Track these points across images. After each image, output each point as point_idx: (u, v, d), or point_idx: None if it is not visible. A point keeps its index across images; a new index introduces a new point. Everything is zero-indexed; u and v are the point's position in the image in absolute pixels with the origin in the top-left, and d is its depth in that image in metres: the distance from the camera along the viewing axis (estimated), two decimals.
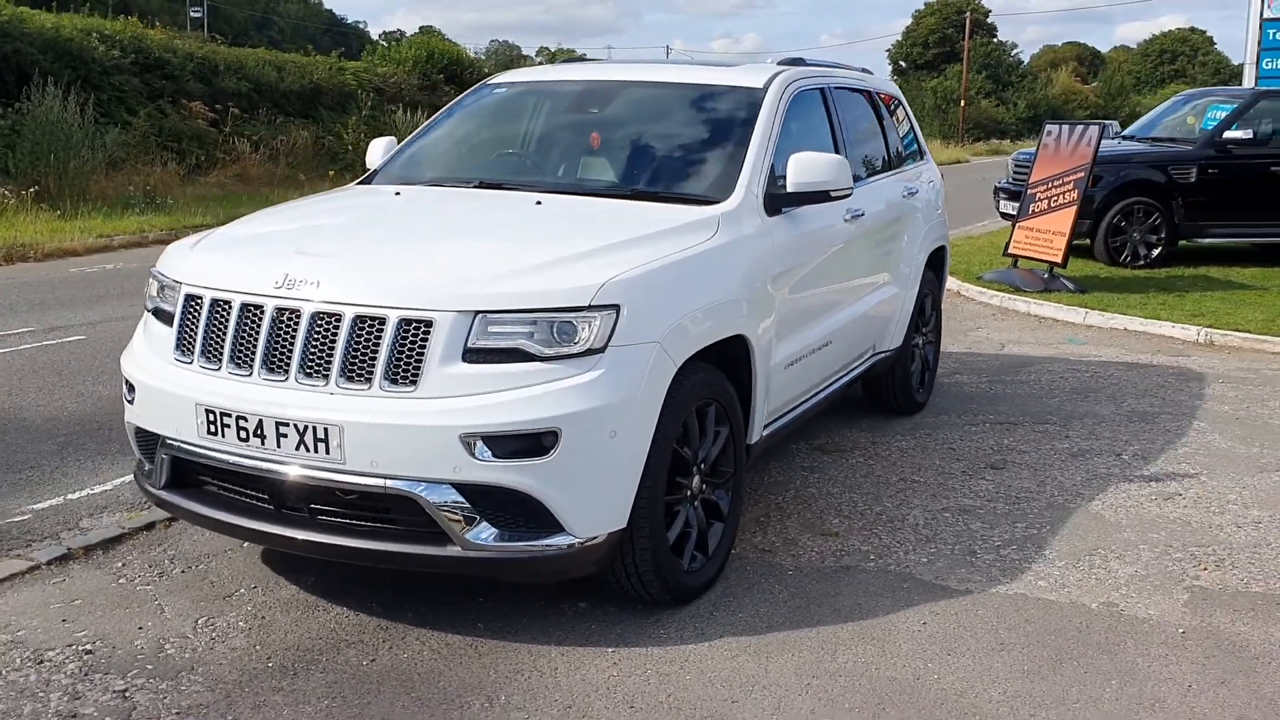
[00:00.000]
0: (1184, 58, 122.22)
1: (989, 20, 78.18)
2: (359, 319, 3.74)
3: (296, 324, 3.81)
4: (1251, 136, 12.97)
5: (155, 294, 4.37)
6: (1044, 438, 6.50)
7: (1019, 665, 3.82)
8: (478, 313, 3.69)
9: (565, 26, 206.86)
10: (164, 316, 4.25)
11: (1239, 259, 13.53)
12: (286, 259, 4.01)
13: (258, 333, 3.87)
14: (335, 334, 3.76)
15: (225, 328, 3.95)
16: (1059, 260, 11.39)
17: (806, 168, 4.80)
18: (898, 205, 6.52)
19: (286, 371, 3.81)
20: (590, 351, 3.73)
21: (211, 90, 23.27)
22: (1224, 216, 13.13)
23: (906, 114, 7.25)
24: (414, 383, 3.69)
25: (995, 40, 78.75)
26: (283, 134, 23.54)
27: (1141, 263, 12.97)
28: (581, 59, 6.75)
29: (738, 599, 4.30)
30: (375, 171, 5.53)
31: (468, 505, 3.69)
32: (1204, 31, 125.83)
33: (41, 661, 3.77)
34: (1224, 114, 13.37)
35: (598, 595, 4.24)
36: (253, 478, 3.93)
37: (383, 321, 3.72)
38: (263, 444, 3.80)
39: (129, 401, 4.27)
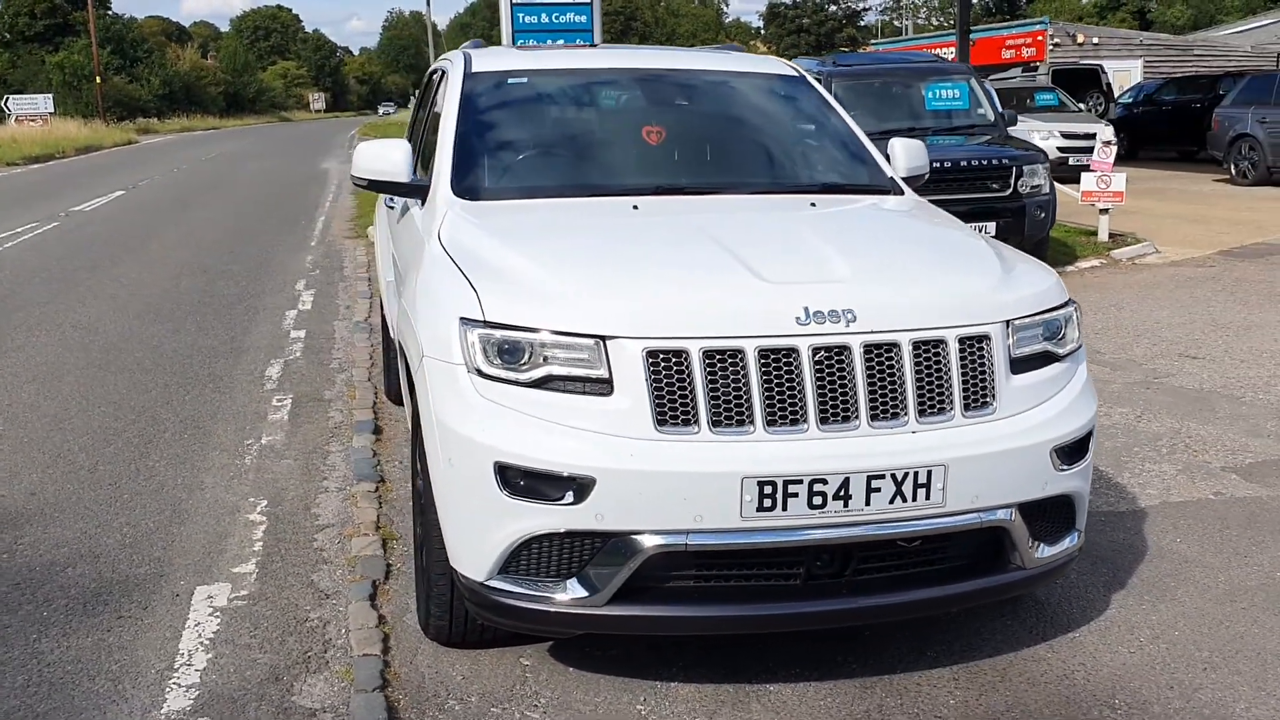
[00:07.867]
0: (277, 34, 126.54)
1: None
2: (917, 345, 3.30)
3: (845, 362, 3.25)
4: None
5: (522, 357, 3.23)
6: None
7: None
8: (1008, 322, 3.50)
9: None
10: (578, 384, 3.22)
11: None
12: (778, 290, 3.32)
13: (797, 380, 3.20)
14: (895, 366, 3.29)
15: (742, 381, 3.19)
16: None
17: (911, 153, 4.93)
18: None
19: (852, 417, 3.22)
20: (1080, 347, 3.70)
21: None
22: None
23: None
24: (987, 404, 3.41)
25: (113, 13, 74.61)
26: None
27: None
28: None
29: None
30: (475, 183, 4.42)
31: (1025, 523, 3.47)
32: (291, 10, 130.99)
33: None
34: None
35: None
36: (782, 552, 3.25)
37: (940, 343, 3.34)
38: (845, 505, 3.19)
39: (561, 503, 3.12)
